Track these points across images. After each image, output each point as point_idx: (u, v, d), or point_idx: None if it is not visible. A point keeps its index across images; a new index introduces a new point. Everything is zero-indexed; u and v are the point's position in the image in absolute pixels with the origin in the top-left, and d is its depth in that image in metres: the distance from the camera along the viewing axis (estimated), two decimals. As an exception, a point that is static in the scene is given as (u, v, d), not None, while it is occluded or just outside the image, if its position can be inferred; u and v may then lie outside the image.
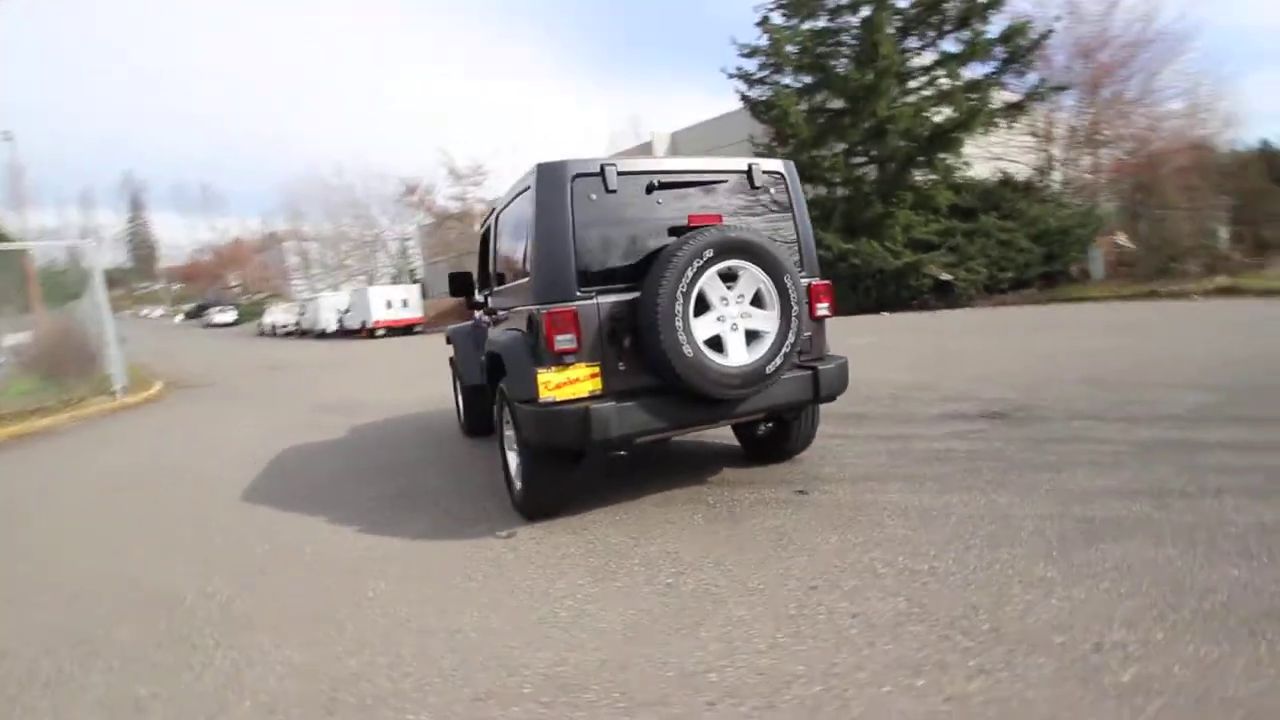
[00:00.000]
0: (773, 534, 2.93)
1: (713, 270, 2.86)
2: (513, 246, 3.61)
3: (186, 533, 3.80)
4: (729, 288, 2.95)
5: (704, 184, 3.23)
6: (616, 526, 3.22)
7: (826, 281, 3.46)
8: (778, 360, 3.00)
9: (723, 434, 4.39)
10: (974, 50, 15.67)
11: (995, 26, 15.54)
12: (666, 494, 3.62)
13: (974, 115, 14.84)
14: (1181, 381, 5.11)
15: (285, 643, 2.38)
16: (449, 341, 6.14)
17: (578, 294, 2.91)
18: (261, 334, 37.69)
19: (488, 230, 4.58)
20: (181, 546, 3.58)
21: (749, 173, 3.31)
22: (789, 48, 17.01)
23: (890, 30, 15.67)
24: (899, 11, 16.11)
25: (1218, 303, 11.05)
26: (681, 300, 2.78)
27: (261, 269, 57.86)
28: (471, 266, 5.14)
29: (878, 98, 16.03)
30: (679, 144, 37.30)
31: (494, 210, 4.33)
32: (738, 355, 2.95)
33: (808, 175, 17.31)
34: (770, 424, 3.76)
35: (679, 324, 2.79)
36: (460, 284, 4.77)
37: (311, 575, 3.00)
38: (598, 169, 2.98)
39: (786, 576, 2.52)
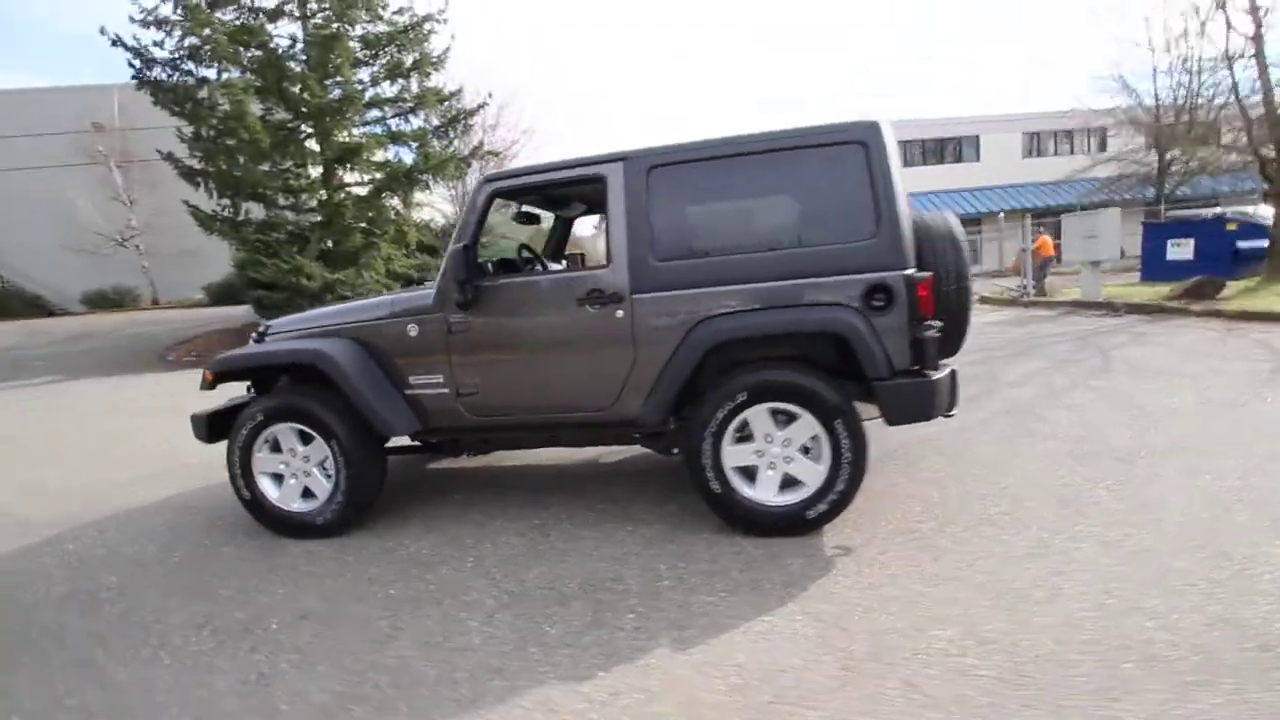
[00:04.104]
0: (922, 502, 3.69)
1: None
2: (785, 211, 2.95)
3: None
4: None
5: None
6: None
7: None
8: None
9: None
10: (421, 101, 16.88)
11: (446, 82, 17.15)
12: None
13: (449, 160, 16.06)
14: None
15: None
16: (226, 374, 3.46)
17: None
18: None
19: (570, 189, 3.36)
20: None
21: None
22: (218, 34, 14.17)
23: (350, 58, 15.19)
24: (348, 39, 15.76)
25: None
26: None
27: None
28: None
29: (343, 121, 15.33)
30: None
31: (585, 163, 3.12)
32: None
33: (257, 193, 14.95)
34: None
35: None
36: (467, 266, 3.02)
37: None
38: None
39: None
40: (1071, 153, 27.97)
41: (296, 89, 14.87)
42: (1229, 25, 11.07)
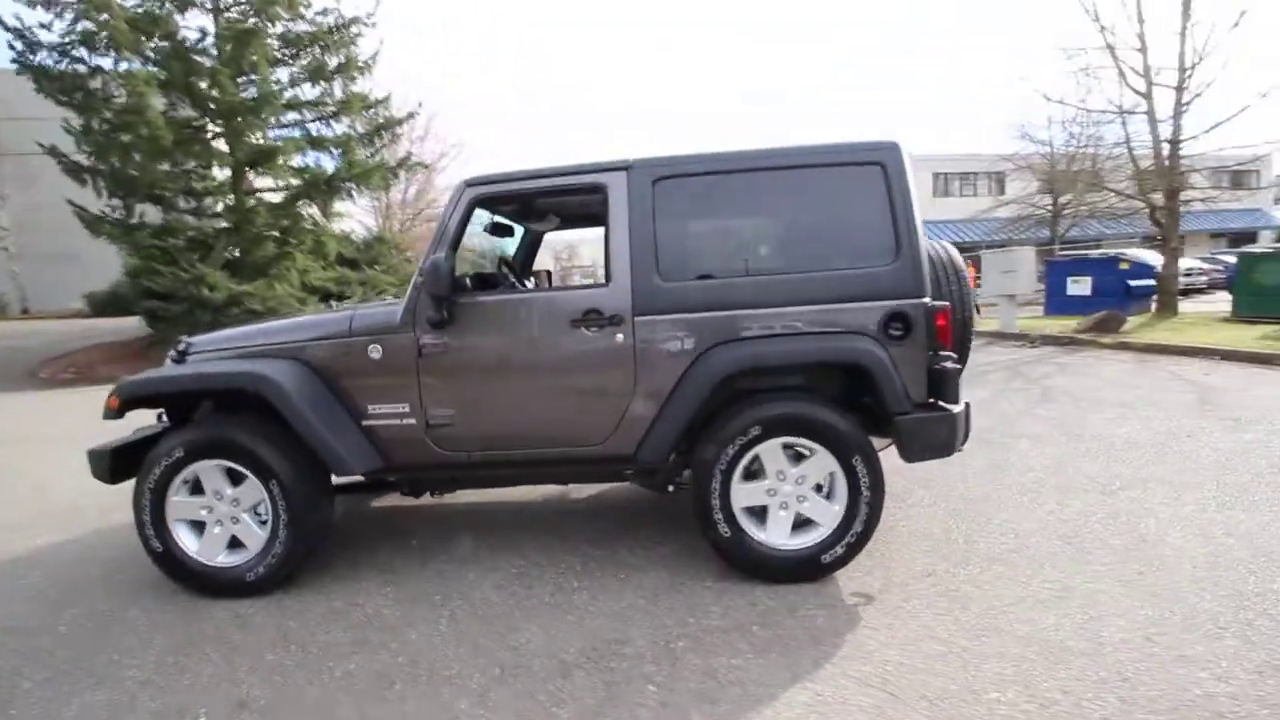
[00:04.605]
0: (926, 539, 3.59)
1: None
2: (799, 231, 2.76)
3: None
4: None
5: None
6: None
7: None
8: None
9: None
10: (345, 106, 15.99)
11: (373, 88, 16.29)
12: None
13: (375, 169, 15.22)
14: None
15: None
16: (138, 400, 2.91)
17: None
18: None
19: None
20: None
21: None
22: (117, 20, 12.90)
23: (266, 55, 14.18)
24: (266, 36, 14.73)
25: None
26: None
27: None
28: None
29: (256, 122, 14.30)
30: None
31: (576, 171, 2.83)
32: None
33: (154, 194, 13.65)
34: None
35: None
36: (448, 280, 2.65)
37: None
38: None
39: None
40: (975, 194, 30.14)
41: (205, 85, 13.75)
42: (1124, 80, 12.14)
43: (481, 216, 3.32)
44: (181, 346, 3.06)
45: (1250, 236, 30.72)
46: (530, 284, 4.00)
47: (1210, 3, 22.78)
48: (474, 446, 2.85)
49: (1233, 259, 21.67)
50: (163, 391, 2.87)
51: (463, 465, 2.89)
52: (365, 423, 2.86)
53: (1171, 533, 3.05)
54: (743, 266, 2.78)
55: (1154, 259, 16.01)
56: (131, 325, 15.52)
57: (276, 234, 14.70)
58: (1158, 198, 12.67)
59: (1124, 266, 14.07)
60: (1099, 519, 3.25)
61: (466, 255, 4.24)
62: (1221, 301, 14.63)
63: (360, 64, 15.93)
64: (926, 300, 2.66)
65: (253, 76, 14.27)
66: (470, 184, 2.83)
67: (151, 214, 14.18)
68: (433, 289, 2.65)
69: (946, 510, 3.46)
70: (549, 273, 4.44)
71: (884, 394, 2.58)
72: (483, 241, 4.69)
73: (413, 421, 2.83)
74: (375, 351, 2.83)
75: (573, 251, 32.50)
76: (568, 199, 3.19)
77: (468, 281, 3.06)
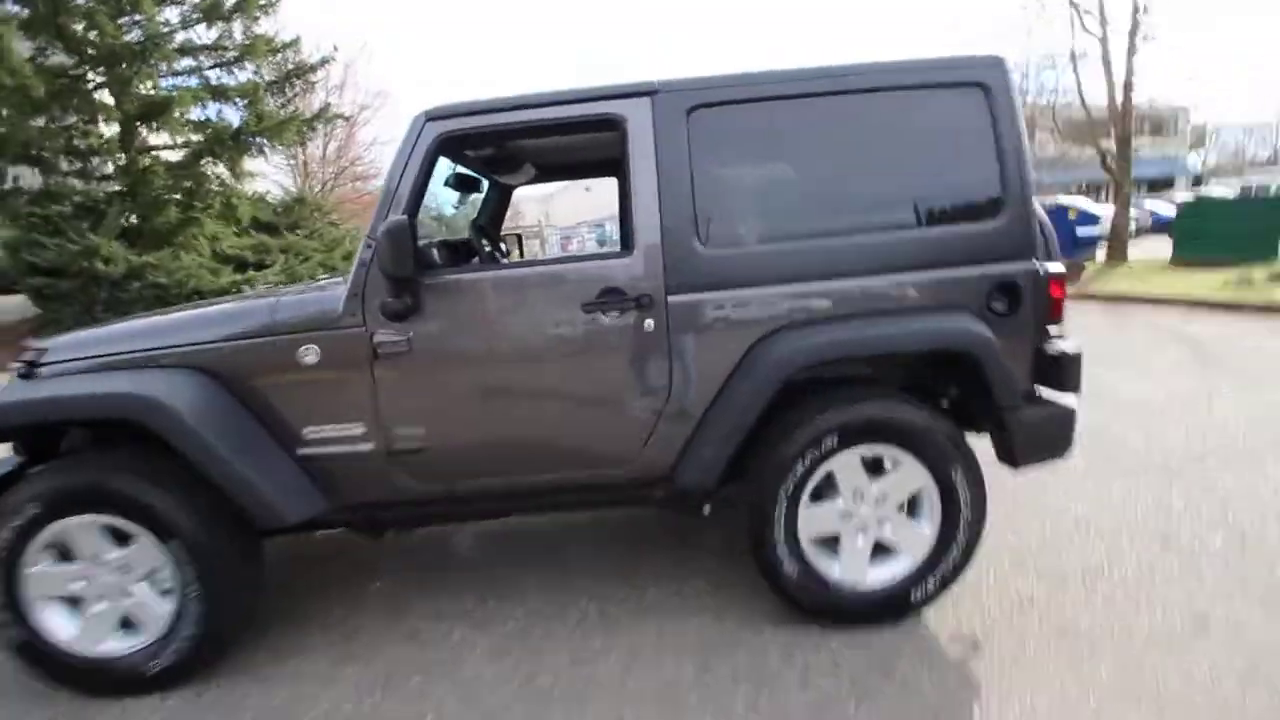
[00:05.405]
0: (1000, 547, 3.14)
1: None
2: (878, 176, 2.11)
3: None
4: None
5: None
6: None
7: None
8: None
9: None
10: (249, 50, 14.22)
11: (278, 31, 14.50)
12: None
13: (290, 122, 13.61)
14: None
15: None
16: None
17: None
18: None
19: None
20: None
21: None
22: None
23: (151, -11, 12.29)
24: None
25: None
26: None
27: None
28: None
29: (144, 70, 12.50)
30: None
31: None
32: None
33: (30, 155, 11.85)
34: None
35: None
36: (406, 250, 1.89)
37: None
38: None
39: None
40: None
41: (80, 27, 11.84)
42: (1083, 26, 11.94)
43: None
44: (30, 355, 2.19)
45: (1168, 182, 32.10)
46: (511, 254, 3.25)
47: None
48: (456, 475, 2.14)
49: (1157, 205, 22.63)
50: (7, 424, 2.02)
51: (441, 499, 2.18)
52: (302, 451, 2.11)
53: (1271, 527, 2.67)
54: (807, 225, 2.12)
55: (1093, 207, 16.26)
56: (13, 305, 13.62)
57: (179, 197, 13.09)
58: (1109, 145, 12.68)
59: (1072, 215, 14.18)
60: (1181, 509, 2.85)
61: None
62: (1153, 246, 15.04)
63: (261, 2, 14.11)
64: (1037, 265, 2.10)
65: (136, 17, 12.41)
66: (433, 117, 2.03)
67: (28, 177, 12.34)
68: (391, 266, 1.88)
69: (1007, 504, 2.99)
70: (519, 237, 3.68)
71: (994, 386, 2.01)
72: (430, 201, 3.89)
73: (369, 446, 2.09)
74: (310, 354, 2.05)
75: (515, 210, 30.97)
76: (567, 138, 2.44)
77: (435, 254, 2.29)
